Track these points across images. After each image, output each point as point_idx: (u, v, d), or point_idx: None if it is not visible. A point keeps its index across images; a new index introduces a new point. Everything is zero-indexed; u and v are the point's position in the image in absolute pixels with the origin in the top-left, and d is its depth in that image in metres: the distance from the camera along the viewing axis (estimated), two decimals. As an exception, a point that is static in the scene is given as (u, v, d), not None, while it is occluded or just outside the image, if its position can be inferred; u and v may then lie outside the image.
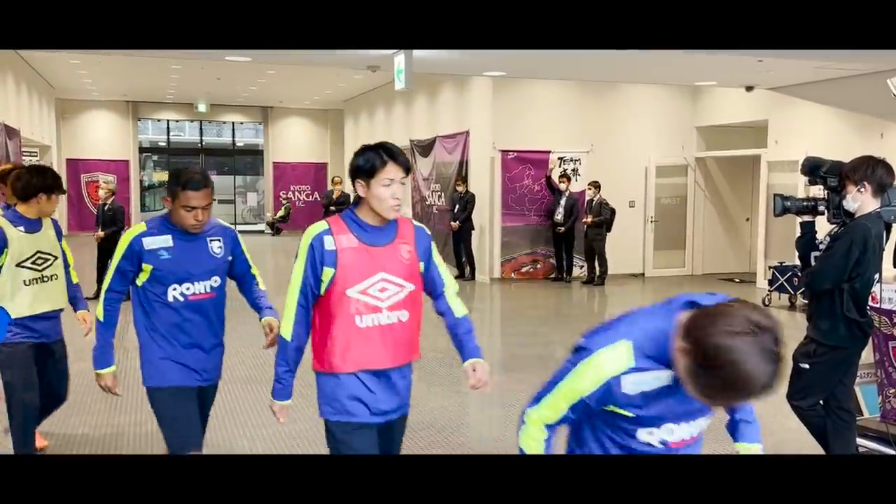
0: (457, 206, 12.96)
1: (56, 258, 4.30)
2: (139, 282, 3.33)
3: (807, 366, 4.03)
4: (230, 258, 3.52)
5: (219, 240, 3.44)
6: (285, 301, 2.80)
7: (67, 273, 4.44)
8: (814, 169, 4.04)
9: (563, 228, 12.63)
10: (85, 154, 21.37)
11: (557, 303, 11.42)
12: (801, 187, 9.80)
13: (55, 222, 4.40)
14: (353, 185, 2.80)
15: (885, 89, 7.45)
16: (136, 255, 3.26)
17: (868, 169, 3.77)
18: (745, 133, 13.57)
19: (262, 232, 23.52)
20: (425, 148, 15.31)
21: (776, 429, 5.26)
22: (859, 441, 4.44)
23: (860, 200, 3.81)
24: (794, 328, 8.50)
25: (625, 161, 13.41)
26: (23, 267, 4.12)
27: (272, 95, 21.16)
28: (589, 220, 12.51)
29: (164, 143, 24.67)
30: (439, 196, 14.47)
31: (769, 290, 10.59)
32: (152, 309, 3.32)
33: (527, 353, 7.91)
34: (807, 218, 4.13)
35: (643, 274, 13.77)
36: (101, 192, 11.06)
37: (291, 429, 5.30)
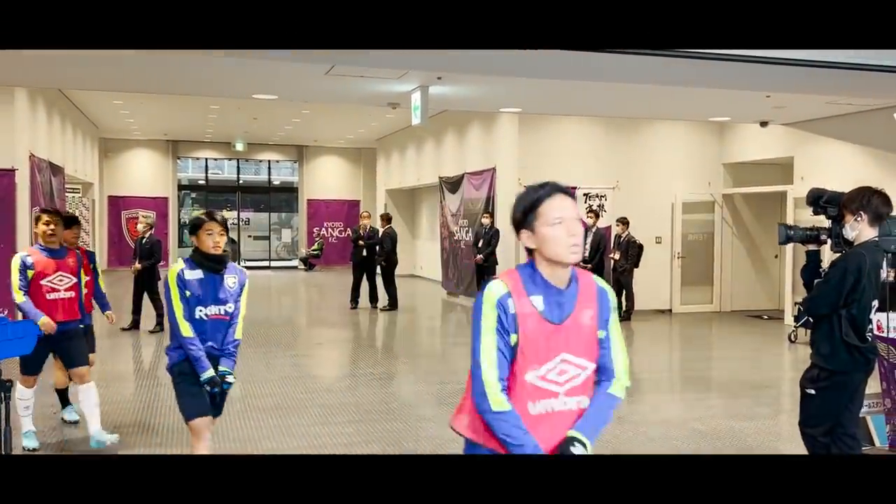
0: (481, 241, 13.14)
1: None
2: None
3: (812, 391, 4.10)
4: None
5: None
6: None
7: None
8: (816, 200, 4.17)
9: (590, 265, 12.72)
10: (126, 191, 22.04)
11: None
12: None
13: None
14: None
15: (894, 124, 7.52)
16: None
17: (864, 199, 3.89)
18: (771, 170, 13.62)
19: (295, 268, 23.93)
20: (454, 184, 15.58)
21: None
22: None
23: (857, 229, 3.92)
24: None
25: (651, 197, 13.52)
26: None
27: (307, 134, 21.69)
28: (616, 256, 12.60)
29: (202, 181, 25.31)
30: (467, 231, 14.68)
31: (795, 326, 10.56)
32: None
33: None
34: (811, 247, 4.25)
35: (670, 310, 13.77)
36: (140, 226, 11.42)
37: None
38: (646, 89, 8.75)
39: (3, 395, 3.36)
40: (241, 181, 25.39)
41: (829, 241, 4.14)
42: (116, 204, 21.83)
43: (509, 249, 13.11)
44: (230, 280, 4.15)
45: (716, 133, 13.94)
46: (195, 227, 4.11)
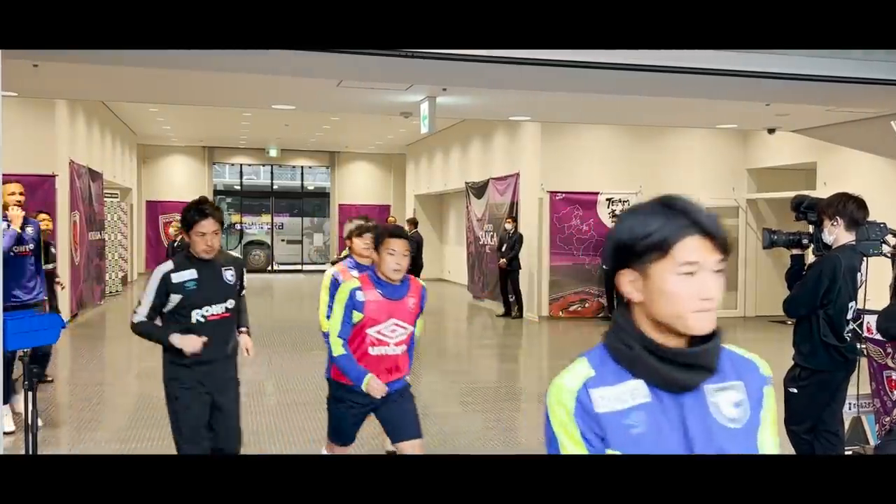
0: (504, 245, 13.36)
1: None
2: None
3: (794, 390, 4.27)
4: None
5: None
6: None
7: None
8: (797, 206, 4.35)
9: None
10: (163, 196, 22.64)
11: (603, 340, 11.62)
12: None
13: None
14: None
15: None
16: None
17: (840, 204, 4.05)
18: (795, 175, 13.62)
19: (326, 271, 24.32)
20: (479, 189, 15.82)
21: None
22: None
23: (835, 234, 4.09)
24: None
25: (674, 202, 13.59)
26: None
27: (338, 140, 22.09)
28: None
29: (237, 186, 25.87)
30: (492, 236, 14.90)
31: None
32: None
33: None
34: (795, 251, 4.41)
35: (694, 314, 13.82)
36: (172, 230, 11.87)
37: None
38: (650, 100, 8.89)
39: (33, 381, 3.65)
40: (274, 186, 25.90)
41: (811, 245, 4.30)
42: (154, 209, 22.43)
43: (532, 254, 13.32)
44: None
45: (739, 138, 13.99)
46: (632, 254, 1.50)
